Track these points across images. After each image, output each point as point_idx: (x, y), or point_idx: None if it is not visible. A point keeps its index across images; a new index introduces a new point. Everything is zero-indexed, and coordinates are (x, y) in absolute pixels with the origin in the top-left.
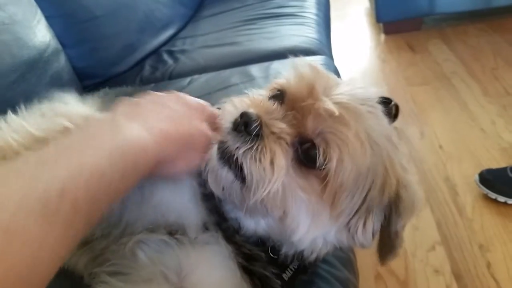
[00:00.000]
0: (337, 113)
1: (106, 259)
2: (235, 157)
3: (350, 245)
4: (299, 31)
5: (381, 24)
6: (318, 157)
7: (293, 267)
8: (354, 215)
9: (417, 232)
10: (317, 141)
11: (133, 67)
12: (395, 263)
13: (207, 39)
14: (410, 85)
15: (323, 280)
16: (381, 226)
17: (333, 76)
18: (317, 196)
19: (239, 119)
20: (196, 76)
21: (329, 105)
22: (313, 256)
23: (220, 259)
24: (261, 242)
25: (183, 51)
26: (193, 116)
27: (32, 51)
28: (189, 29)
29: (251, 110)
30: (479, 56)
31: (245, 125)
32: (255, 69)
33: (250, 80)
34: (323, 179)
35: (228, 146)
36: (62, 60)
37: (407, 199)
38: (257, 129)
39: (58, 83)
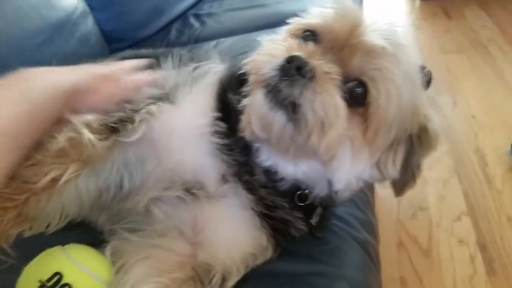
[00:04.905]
0: (389, 48)
1: (122, 218)
2: (288, 100)
3: (380, 179)
4: None
5: None
6: (368, 95)
7: (319, 213)
8: (387, 149)
9: (444, 202)
10: (365, 78)
11: (160, 31)
12: (419, 232)
13: (235, 2)
14: (444, 53)
15: (341, 240)
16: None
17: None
18: (360, 134)
19: (287, 64)
20: (222, 39)
21: (380, 40)
22: (346, 195)
23: (236, 211)
24: (291, 190)
25: (210, 14)
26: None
27: (60, 13)
28: None
29: (299, 53)
30: None
31: (297, 69)
32: None
33: None
34: (366, 117)
35: (280, 91)
36: (89, 23)
37: (432, 131)
38: (312, 71)
39: (85, 46)
